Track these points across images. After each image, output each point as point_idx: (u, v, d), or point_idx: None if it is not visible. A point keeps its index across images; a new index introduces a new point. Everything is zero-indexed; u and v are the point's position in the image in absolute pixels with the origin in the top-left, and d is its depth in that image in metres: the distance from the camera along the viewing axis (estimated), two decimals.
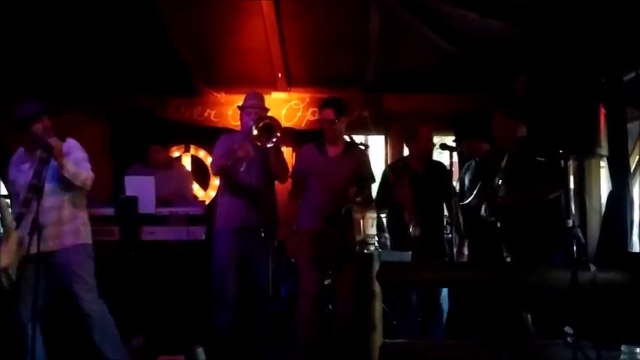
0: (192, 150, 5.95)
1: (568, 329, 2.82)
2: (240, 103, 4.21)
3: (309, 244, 3.86)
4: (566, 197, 3.20)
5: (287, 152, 5.24)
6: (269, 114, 4.13)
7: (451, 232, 4.17)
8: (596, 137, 3.17)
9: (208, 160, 5.71)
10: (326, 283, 4.34)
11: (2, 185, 5.97)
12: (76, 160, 3.42)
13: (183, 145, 5.94)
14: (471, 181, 4.08)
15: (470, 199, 3.94)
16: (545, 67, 3.97)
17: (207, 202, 5.26)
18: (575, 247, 2.97)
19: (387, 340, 2.96)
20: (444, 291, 4.22)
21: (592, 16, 3.77)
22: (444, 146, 3.98)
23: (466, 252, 4.10)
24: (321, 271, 3.97)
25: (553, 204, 3.49)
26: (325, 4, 4.88)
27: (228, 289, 3.97)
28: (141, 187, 4.19)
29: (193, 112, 5.85)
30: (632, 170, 4.05)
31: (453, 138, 5.53)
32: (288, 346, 4.05)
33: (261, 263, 4.01)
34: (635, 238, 3.88)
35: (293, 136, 5.59)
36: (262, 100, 4.21)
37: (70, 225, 3.47)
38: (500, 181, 3.75)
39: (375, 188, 4.19)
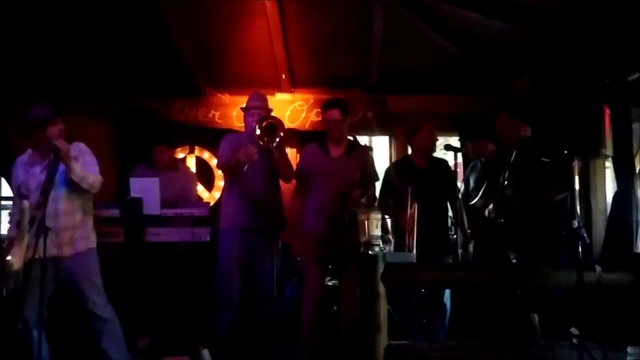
0: (197, 151, 5.96)
1: (574, 330, 2.82)
2: (244, 105, 4.22)
3: (313, 245, 3.87)
4: (572, 198, 3.20)
5: (291, 153, 5.25)
6: (272, 114, 4.14)
7: (456, 233, 4.18)
8: (601, 138, 3.16)
9: (213, 162, 5.72)
10: (330, 284, 4.36)
11: (3, 186, 6.03)
12: (85, 164, 3.44)
13: (187, 147, 5.96)
14: (476, 181, 4.07)
15: (476, 199, 3.94)
16: (549, 68, 3.97)
17: (211, 204, 5.27)
18: (580, 248, 2.96)
19: (392, 342, 2.96)
20: (448, 290, 4.21)
21: (596, 17, 3.76)
22: (448, 147, 3.97)
23: (471, 251, 4.09)
24: (324, 271, 3.97)
25: (559, 205, 3.49)
26: (329, 5, 4.88)
27: (232, 290, 3.98)
28: (145, 188, 4.19)
29: (198, 113, 5.86)
30: (637, 170, 4.04)
31: (458, 138, 5.54)
32: (292, 347, 4.05)
33: (265, 264, 4.01)
34: None
35: (297, 137, 5.60)
36: (266, 101, 4.22)
37: (81, 230, 3.50)
38: (506, 181, 3.74)
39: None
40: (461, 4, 4.48)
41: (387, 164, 5.58)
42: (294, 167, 4.28)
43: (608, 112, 3.40)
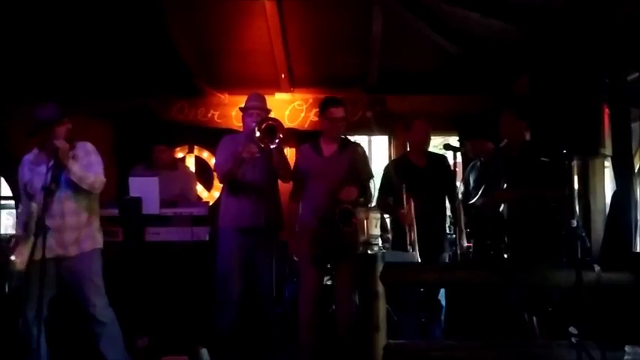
0: (196, 151, 5.96)
1: (572, 329, 2.82)
2: (243, 105, 4.22)
3: (309, 244, 3.87)
4: (571, 197, 3.20)
5: (290, 153, 5.24)
6: (272, 115, 4.14)
7: (455, 232, 4.18)
8: (600, 137, 3.17)
9: (212, 161, 5.71)
10: (329, 283, 4.36)
11: (1, 185, 6.03)
12: (90, 163, 3.45)
13: (186, 146, 5.95)
14: (475, 180, 4.07)
15: (475, 199, 3.94)
16: (548, 68, 3.98)
17: (211, 203, 5.26)
18: (579, 247, 2.97)
19: (391, 341, 2.96)
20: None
21: (595, 17, 3.77)
22: (447, 146, 3.97)
23: (465, 243, 4.11)
24: (321, 271, 3.98)
25: (558, 204, 3.49)
26: (328, 5, 4.89)
27: (232, 290, 3.97)
28: (145, 187, 4.19)
29: (197, 113, 5.86)
30: (636, 170, 4.04)
31: (457, 139, 5.55)
32: (291, 347, 4.05)
33: (265, 264, 4.01)
34: (639, 237, 3.87)
35: (296, 137, 5.59)
36: (264, 101, 4.22)
37: (87, 230, 3.50)
38: (506, 182, 3.75)
39: (373, 186, 4.17)
40: (461, 4, 4.48)
41: (386, 163, 5.58)
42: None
43: (607, 111, 3.41)
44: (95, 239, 3.54)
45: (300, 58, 5.57)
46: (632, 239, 3.70)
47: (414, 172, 4.18)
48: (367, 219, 3.24)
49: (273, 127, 3.83)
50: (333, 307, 4.10)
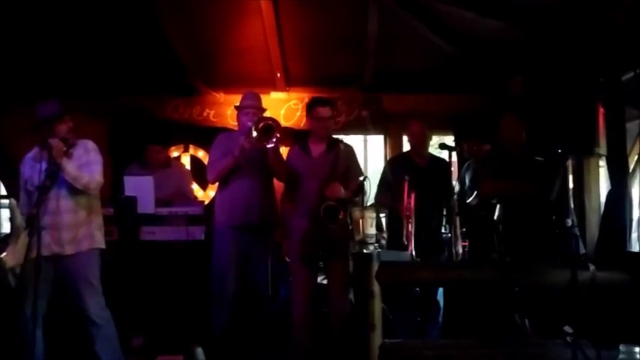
0: (192, 150, 5.94)
1: (567, 328, 2.83)
2: (238, 103, 4.21)
3: (300, 244, 3.88)
4: (565, 197, 3.21)
5: (286, 152, 5.24)
6: (268, 114, 4.14)
7: (450, 232, 4.18)
8: (594, 137, 3.18)
9: (207, 160, 5.70)
10: (325, 282, 4.36)
11: (1, 185, 6.01)
12: (88, 162, 3.44)
13: (182, 145, 5.93)
14: (471, 180, 4.09)
15: (471, 198, 3.95)
16: (543, 67, 3.98)
17: (206, 202, 5.26)
18: (573, 247, 2.98)
19: (386, 340, 2.96)
20: (440, 288, 4.22)
21: (591, 16, 3.77)
22: (443, 146, 3.98)
23: (460, 243, 4.12)
24: (313, 270, 3.98)
25: (554, 204, 3.50)
26: (324, 4, 4.88)
27: (227, 289, 3.97)
28: (140, 187, 4.18)
29: (192, 111, 5.85)
30: (630, 169, 4.05)
31: (453, 139, 5.55)
32: (287, 346, 4.05)
33: (260, 263, 4.01)
34: (634, 237, 3.89)
35: (292, 136, 5.58)
36: (259, 100, 4.21)
37: (86, 228, 3.47)
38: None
39: (369, 186, 4.17)
40: (456, 4, 4.49)
41: (381, 163, 5.57)
42: None
43: (602, 111, 3.42)
44: (94, 238, 3.51)
45: (296, 57, 5.56)
46: (626, 238, 3.71)
47: (414, 170, 4.18)
48: (363, 218, 3.24)
49: (270, 127, 3.83)
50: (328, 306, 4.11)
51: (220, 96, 5.86)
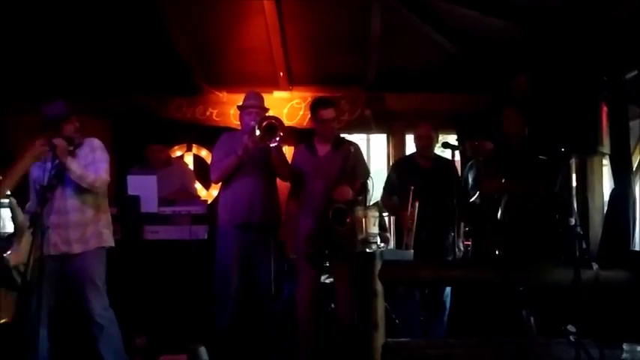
0: (195, 149, 5.95)
1: (570, 327, 2.82)
2: (241, 103, 4.22)
3: (305, 243, 3.88)
4: (569, 195, 3.20)
5: (289, 151, 5.24)
6: (271, 113, 4.14)
7: (453, 231, 4.18)
8: (598, 135, 3.17)
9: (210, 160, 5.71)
10: (329, 281, 4.36)
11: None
12: (94, 160, 3.45)
13: (185, 145, 5.95)
14: (474, 179, 4.08)
15: (474, 197, 3.95)
16: (546, 66, 3.98)
17: (209, 202, 5.26)
18: (577, 246, 2.97)
19: (389, 339, 2.96)
20: (448, 288, 4.22)
21: (593, 15, 3.76)
22: (446, 145, 3.98)
23: (462, 249, 4.12)
24: (318, 269, 3.99)
25: (555, 200, 3.50)
26: (327, 3, 4.88)
27: (231, 288, 3.98)
28: (143, 186, 4.19)
29: (195, 111, 5.85)
30: (634, 168, 4.04)
31: (456, 138, 5.55)
32: (290, 345, 4.05)
33: (263, 262, 4.02)
34: (637, 236, 3.88)
35: (295, 135, 5.59)
36: (262, 99, 4.22)
37: (93, 227, 3.47)
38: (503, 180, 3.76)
39: (372, 184, 4.17)
40: (459, 2, 4.48)
41: (384, 162, 5.57)
42: None
43: (605, 109, 3.41)
44: (101, 237, 3.51)
45: (299, 56, 5.56)
46: (630, 237, 3.70)
47: (419, 173, 4.16)
48: (365, 217, 3.24)
49: (273, 126, 3.83)
50: (332, 306, 4.11)
51: (223, 95, 5.86)
